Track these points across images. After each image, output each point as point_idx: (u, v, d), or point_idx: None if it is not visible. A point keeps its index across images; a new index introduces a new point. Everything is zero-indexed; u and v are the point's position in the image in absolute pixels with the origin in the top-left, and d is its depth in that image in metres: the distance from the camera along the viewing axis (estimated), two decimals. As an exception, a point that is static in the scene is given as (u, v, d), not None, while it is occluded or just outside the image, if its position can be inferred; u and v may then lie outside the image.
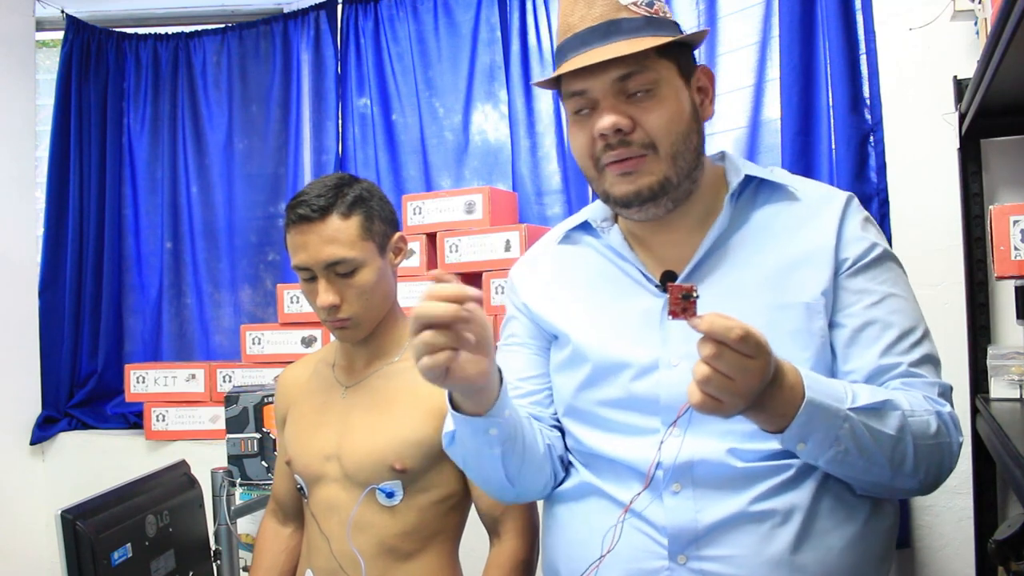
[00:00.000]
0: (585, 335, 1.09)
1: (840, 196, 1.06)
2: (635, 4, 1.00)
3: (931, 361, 1.01)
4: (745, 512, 0.96)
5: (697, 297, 0.80)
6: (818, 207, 1.05)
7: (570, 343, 1.10)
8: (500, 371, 0.98)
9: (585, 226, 1.18)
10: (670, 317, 0.82)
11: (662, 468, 0.99)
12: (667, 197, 1.03)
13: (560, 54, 1.03)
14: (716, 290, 1.02)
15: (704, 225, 1.06)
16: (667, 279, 1.05)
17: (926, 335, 1.02)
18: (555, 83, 1.07)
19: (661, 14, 1.02)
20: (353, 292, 1.29)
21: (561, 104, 1.17)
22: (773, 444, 0.94)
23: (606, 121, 0.99)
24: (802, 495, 0.97)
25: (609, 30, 0.99)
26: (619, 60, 0.97)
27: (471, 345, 0.87)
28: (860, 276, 1.01)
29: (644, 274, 1.08)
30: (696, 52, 1.12)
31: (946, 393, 1.01)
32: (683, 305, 0.81)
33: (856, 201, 1.07)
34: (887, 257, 1.04)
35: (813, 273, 1.01)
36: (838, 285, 1.01)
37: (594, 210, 1.17)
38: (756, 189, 1.09)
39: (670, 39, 1.00)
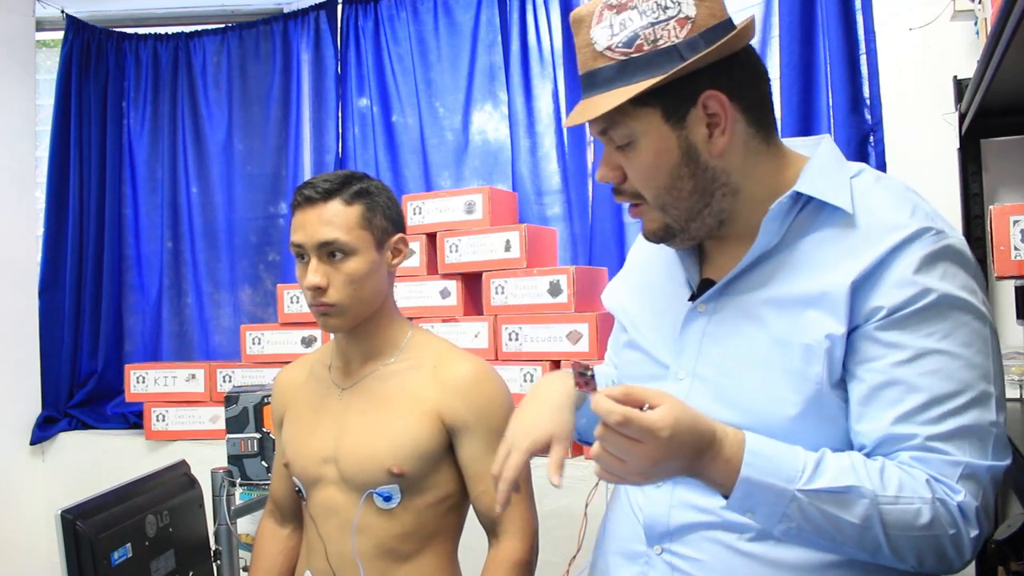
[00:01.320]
0: (635, 327, 1.10)
1: (902, 231, 0.89)
2: (610, 49, 0.92)
3: (968, 435, 0.85)
4: (716, 520, 0.94)
5: (592, 375, 0.82)
6: (870, 240, 0.90)
7: (626, 331, 1.12)
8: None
9: None
10: (576, 389, 0.84)
11: None
12: (681, 236, 0.99)
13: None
14: (736, 313, 0.97)
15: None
16: (704, 287, 1.02)
17: (975, 403, 0.86)
18: None
19: (647, 46, 0.91)
20: (341, 278, 1.30)
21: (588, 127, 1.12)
22: None
23: (598, 173, 1.00)
24: None
25: (589, 82, 0.95)
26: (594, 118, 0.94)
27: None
28: (895, 328, 0.87)
29: (689, 282, 1.06)
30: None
31: (975, 475, 0.85)
32: (584, 380, 0.83)
33: (926, 237, 0.88)
34: (944, 305, 0.86)
35: (824, 313, 0.89)
36: (865, 335, 0.88)
37: None
38: (819, 204, 0.95)
39: (634, 91, 0.90)
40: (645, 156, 0.94)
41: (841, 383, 0.91)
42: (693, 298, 1.01)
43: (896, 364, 0.87)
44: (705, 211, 0.97)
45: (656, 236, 1.00)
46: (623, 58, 0.92)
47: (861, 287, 0.88)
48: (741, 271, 0.97)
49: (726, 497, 0.85)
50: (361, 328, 1.37)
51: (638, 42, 0.91)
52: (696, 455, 0.82)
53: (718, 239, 1.02)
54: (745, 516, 0.86)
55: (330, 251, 1.30)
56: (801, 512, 0.83)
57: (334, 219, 1.30)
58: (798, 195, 0.95)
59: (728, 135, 0.94)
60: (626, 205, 1.03)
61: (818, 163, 0.97)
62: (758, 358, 0.94)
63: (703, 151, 0.94)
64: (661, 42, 0.91)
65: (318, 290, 1.30)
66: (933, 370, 0.86)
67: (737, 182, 0.97)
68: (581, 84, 0.97)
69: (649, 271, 1.14)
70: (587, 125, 1.01)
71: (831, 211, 0.94)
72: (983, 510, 0.86)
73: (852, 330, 0.89)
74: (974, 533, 0.85)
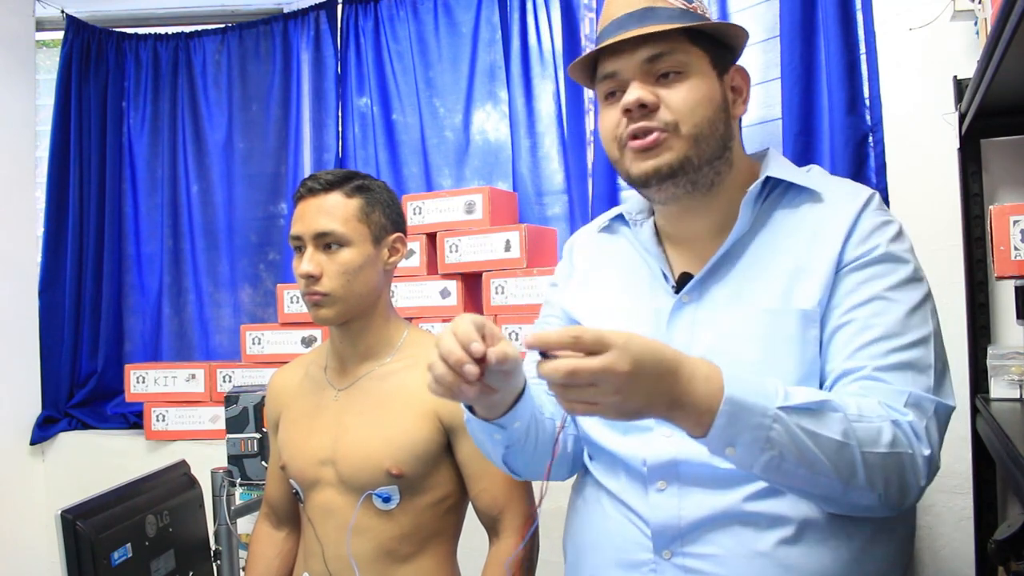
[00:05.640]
0: (602, 325, 1.09)
1: (860, 196, 1.04)
2: None
3: (910, 368, 0.93)
4: (731, 512, 0.96)
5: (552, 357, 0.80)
6: (838, 209, 1.02)
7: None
8: (524, 383, 1.01)
9: (622, 217, 1.20)
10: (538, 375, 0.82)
11: (647, 465, 1.01)
12: (686, 178, 1.03)
13: (597, 41, 1.06)
14: (724, 293, 1.03)
15: (729, 224, 1.05)
16: (684, 280, 1.06)
17: (916, 344, 0.95)
18: (591, 77, 1.10)
19: (699, 11, 1.04)
20: (335, 268, 1.31)
21: (596, 101, 1.16)
22: None
23: (631, 95, 1.02)
24: (795, 503, 0.95)
25: (644, 16, 1.02)
26: (650, 41, 1.01)
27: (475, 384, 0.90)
28: (853, 275, 0.99)
29: (664, 273, 1.09)
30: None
31: (920, 404, 0.92)
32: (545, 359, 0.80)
33: (876, 200, 1.04)
34: (888, 259, 0.99)
35: (816, 280, 0.99)
36: (835, 282, 0.99)
37: (631, 203, 1.20)
38: (784, 191, 1.08)
39: (699, 24, 1.03)
40: (697, 89, 1.02)
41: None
42: (678, 290, 1.06)
43: (852, 308, 0.97)
44: (718, 161, 1.05)
45: (666, 170, 1.03)
46: (682, 7, 1.03)
47: (844, 246, 1.00)
48: (722, 256, 1.04)
49: (703, 436, 0.84)
50: (356, 327, 1.37)
51: (695, 3, 1.05)
52: (670, 375, 0.81)
53: (680, 229, 1.09)
54: (725, 453, 0.85)
55: (326, 242, 1.32)
56: (786, 433, 0.84)
57: (333, 210, 1.32)
58: (767, 180, 1.06)
59: (745, 107, 1.09)
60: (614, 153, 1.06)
61: (775, 156, 1.11)
62: (755, 332, 0.99)
63: (731, 108, 1.07)
64: (702, 11, 1.05)
65: (311, 278, 1.31)
66: (880, 312, 0.96)
67: (734, 154, 1.08)
68: (624, 21, 1.03)
69: (609, 276, 1.15)
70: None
71: (795, 193, 1.06)
72: (929, 437, 0.91)
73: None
74: (926, 452, 0.90)
